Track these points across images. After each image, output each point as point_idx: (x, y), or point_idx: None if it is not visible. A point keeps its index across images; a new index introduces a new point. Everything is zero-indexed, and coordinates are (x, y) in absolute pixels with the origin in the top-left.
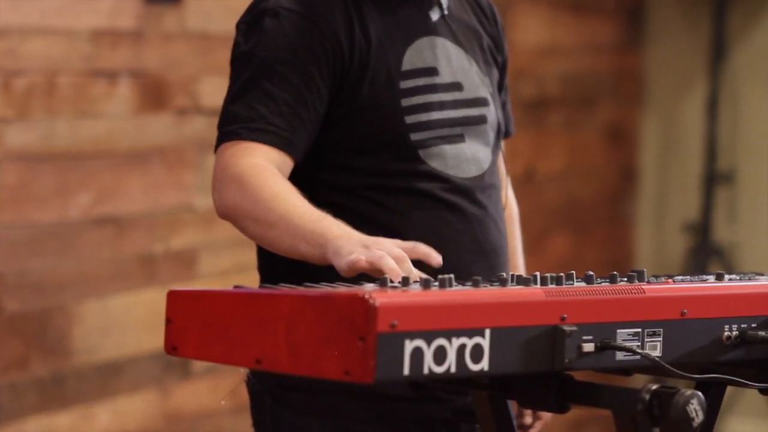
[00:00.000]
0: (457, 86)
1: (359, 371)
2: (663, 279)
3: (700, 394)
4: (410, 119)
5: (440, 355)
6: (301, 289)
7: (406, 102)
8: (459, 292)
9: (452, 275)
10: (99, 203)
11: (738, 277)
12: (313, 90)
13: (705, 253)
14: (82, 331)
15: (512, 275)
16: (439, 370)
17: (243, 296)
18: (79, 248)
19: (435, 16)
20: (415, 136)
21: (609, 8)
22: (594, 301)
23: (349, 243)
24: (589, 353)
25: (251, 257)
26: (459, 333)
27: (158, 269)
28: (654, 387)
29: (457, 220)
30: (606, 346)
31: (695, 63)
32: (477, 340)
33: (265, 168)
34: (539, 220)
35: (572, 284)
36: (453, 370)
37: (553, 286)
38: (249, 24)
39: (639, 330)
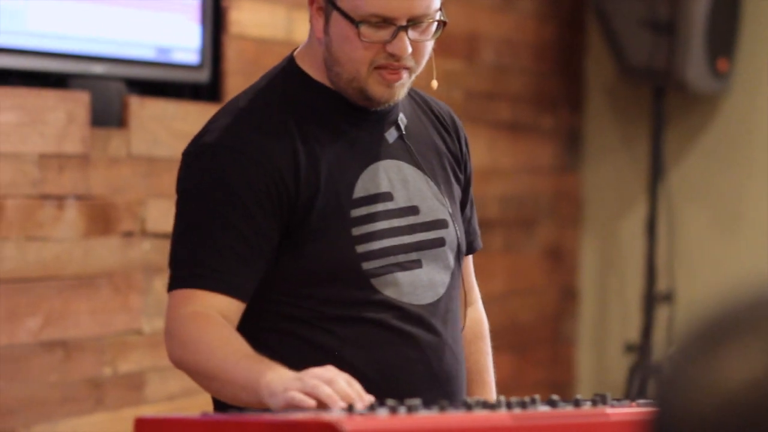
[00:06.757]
0: (413, 210)
1: None
2: (626, 402)
3: None
4: (361, 248)
5: None
6: (269, 416)
7: (356, 231)
8: (426, 418)
9: (419, 399)
10: (47, 327)
11: None
12: (257, 230)
13: (645, 373)
14: None
15: (478, 400)
16: None
17: (211, 423)
18: (27, 373)
19: (392, 137)
20: (366, 265)
21: (547, 130)
22: (559, 425)
23: (281, 381)
24: None
25: None
26: None
27: (106, 393)
28: None
29: (410, 348)
30: None
31: (633, 184)
32: None
33: (204, 317)
34: None
35: (537, 409)
36: None
37: (519, 410)
38: (191, 158)
39: None
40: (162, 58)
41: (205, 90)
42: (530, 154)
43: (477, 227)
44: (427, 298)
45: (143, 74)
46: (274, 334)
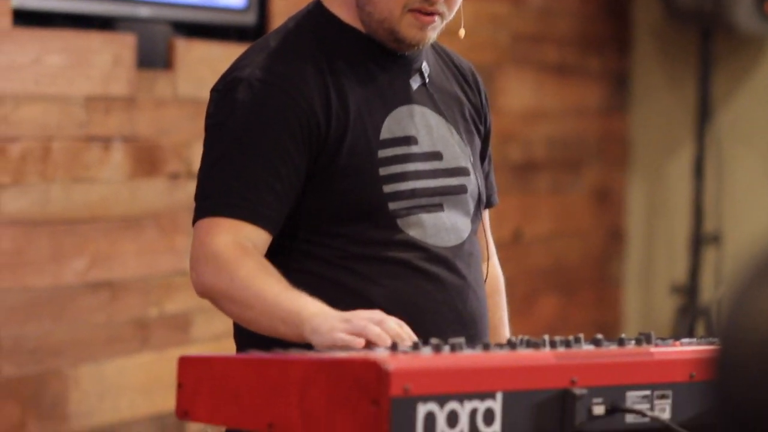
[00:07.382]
0: (436, 155)
1: None
2: (670, 341)
3: None
4: (388, 188)
5: (453, 419)
6: (312, 355)
7: (384, 171)
8: (470, 356)
9: (463, 338)
10: (93, 268)
11: None
12: (288, 163)
13: (692, 314)
14: (78, 396)
15: (522, 338)
16: None
17: (255, 361)
18: (74, 313)
19: (416, 84)
20: (393, 205)
21: (594, 72)
22: (603, 364)
23: (327, 320)
24: (599, 416)
25: None
26: (471, 397)
27: (152, 333)
28: None
29: (435, 289)
30: (616, 409)
31: (681, 125)
32: (489, 403)
33: (240, 246)
34: (526, 282)
35: (581, 348)
36: None
37: (563, 349)
38: (222, 93)
39: (648, 392)
40: (208, 1)
41: (251, 32)
42: (577, 96)
43: (494, 182)
44: (450, 240)
45: (189, 16)
46: (298, 273)
